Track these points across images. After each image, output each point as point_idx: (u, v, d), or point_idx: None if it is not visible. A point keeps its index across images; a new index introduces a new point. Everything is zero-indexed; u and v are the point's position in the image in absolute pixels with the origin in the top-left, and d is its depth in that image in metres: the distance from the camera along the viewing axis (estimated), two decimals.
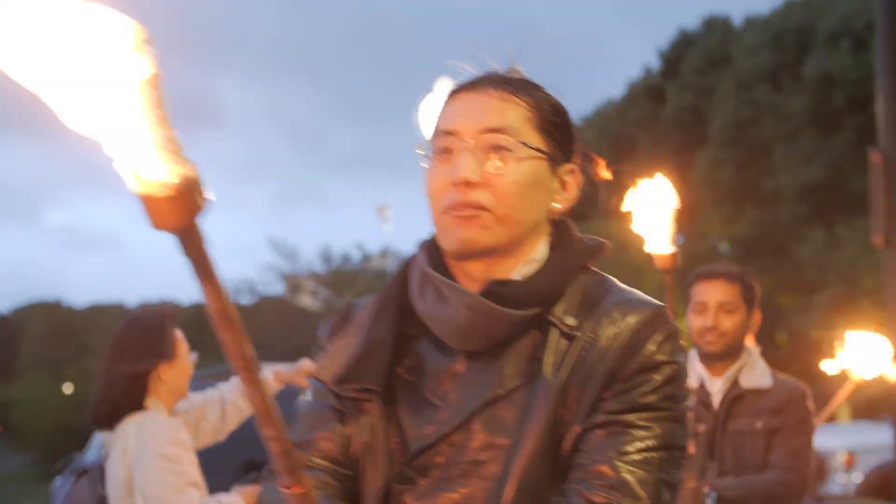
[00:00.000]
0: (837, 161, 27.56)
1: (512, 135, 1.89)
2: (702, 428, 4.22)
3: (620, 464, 1.77)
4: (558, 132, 1.98)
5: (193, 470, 3.88)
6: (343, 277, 44.44)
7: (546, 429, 1.81)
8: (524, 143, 1.89)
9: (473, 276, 1.92)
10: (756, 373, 4.31)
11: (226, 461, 5.33)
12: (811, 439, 4.25)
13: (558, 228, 2.00)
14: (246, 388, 1.37)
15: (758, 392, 4.27)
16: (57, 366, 62.59)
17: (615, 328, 1.85)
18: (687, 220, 32.94)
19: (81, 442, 6.48)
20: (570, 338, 1.86)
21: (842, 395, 5.79)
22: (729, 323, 4.26)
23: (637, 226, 3.26)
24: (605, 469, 1.77)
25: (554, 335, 1.87)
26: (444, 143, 1.92)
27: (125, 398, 3.99)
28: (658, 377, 1.82)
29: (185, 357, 4.14)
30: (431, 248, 1.98)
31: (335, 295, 43.02)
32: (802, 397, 4.26)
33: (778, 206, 28.44)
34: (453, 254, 1.91)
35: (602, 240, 2.03)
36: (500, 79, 1.98)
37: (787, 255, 28.13)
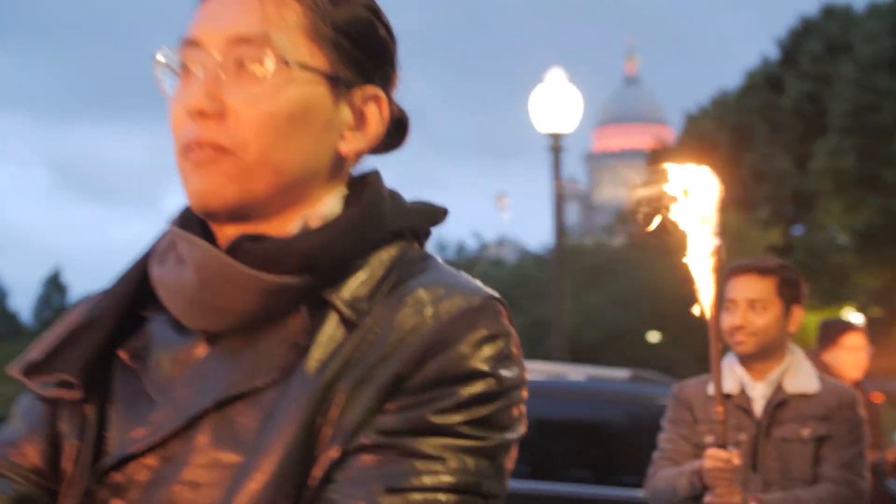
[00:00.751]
0: None
1: (270, 46, 1.38)
2: (742, 437, 3.87)
3: None
4: (352, 43, 1.43)
5: None
6: (458, 267, 44.69)
7: (294, 446, 1.30)
8: (285, 60, 1.37)
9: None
10: (801, 376, 3.96)
11: None
12: (864, 449, 3.90)
13: (362, 182, 1.48)
14: None
15: (804, 397, 3.91)
16: None
17: (417, 318, 1.34)
18: (806, 211, 32.54)
19: None
20: (351, 326, 1.36)
21: None
22: (760, 321, 3.92)
23: (679, 218, 3.06)
24: None
25: (332, 321, 1.36)
26: (186, 58, 1.41)
27: None
28: (466, 392, 1.30)
29: None
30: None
31: None
32: (852, 403, 3.92)
33: None
34: (195, 211, 1.41)
35: (438, 205, 1.56)
36: None
37: None
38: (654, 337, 38.47)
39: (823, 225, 31.45)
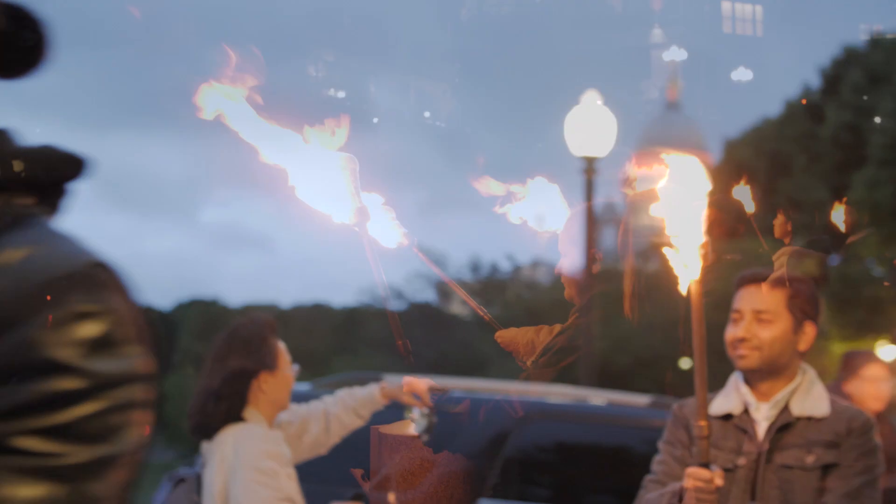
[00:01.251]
0: None
1: None
2: (742, 461, 3.55)
3: None
4: None
5: (289, 484, 3.85)
6: (491, 288, 44.52)
7: None
8: None
9: None
10: (811, 398, 3.59)
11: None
12: (876, 479, 3.48)
13: None
14: None
15: (811, 421, 3.55)
16: None
17: None
18: (842, 242, 32.41)
19: None
20: None
21: None
22: (765, 334, 3.60)
23: (664, 215, 2.89)
24: None
25: None
26: None
27: (224, 407, 3.95)
28: (34, 391, 0.94)
29: (287, 368, 4.08)
30: None
31: (485, 304, 43.09)
32: (865, 428, 3.53)
33: None
34: None
35: (68, 152, 1.16)
36: None
37: None
38: (685, 364, 38.33)
39: (859, 256, 31.24)
